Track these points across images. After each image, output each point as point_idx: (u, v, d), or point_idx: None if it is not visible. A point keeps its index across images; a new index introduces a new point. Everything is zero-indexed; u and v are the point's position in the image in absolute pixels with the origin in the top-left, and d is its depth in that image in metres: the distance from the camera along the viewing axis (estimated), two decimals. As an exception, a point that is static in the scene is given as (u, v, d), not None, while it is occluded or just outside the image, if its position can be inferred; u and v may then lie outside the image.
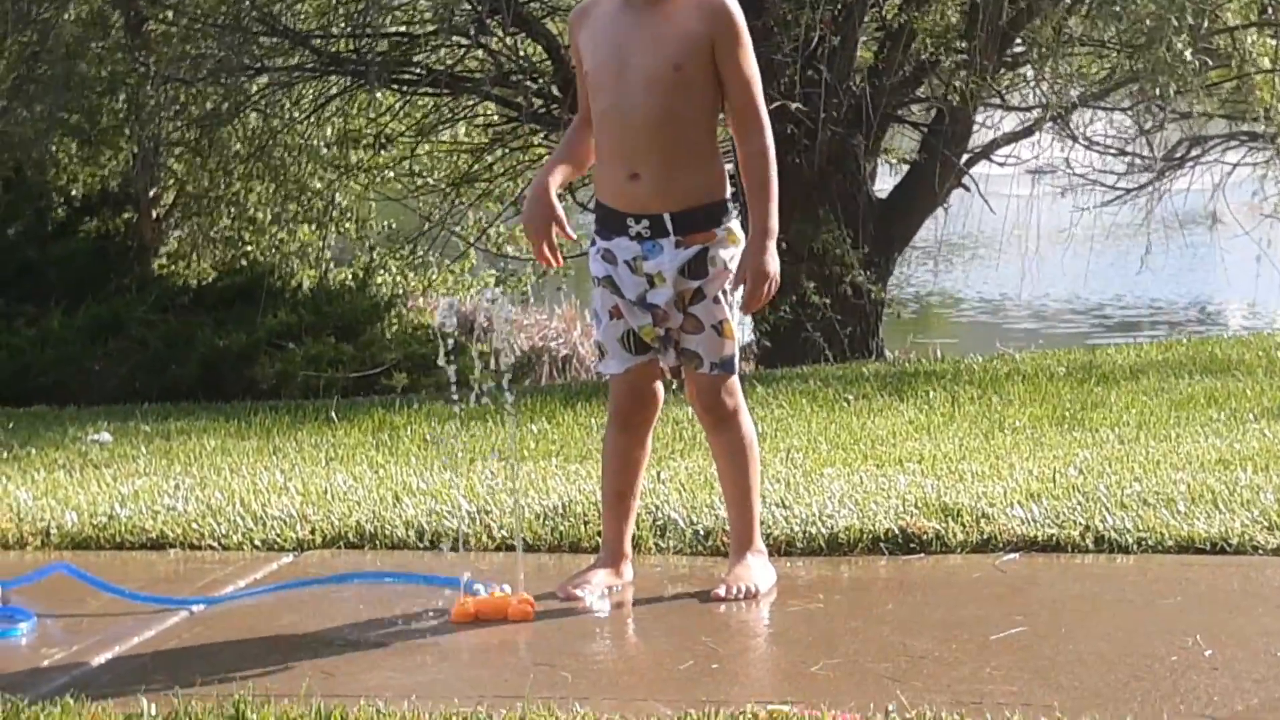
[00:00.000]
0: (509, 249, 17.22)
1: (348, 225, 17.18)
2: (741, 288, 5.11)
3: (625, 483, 5.34)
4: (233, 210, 16.77)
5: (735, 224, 5.15)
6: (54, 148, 15.55)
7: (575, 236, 5.40)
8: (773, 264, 5.03)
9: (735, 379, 5.24)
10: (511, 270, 17.12)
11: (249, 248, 16.76)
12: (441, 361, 5.15)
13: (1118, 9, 13.93)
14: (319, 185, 16.85)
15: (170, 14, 15.97)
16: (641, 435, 5.31)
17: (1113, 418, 9.09)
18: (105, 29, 16.01)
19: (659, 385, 5.29)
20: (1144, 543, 5.64)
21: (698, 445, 8.31)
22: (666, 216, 5.08)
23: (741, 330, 5.21)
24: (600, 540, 5.53)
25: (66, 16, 14.87)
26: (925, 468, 7.22)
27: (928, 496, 6.19)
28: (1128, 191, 17.29)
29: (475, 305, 16.79)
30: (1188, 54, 13.14)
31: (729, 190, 5.15)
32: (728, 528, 5.48)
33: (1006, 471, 6.89)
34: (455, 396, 5.31)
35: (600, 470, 5.49)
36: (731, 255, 5.11)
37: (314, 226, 16.95)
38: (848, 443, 8.44)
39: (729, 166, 5.21)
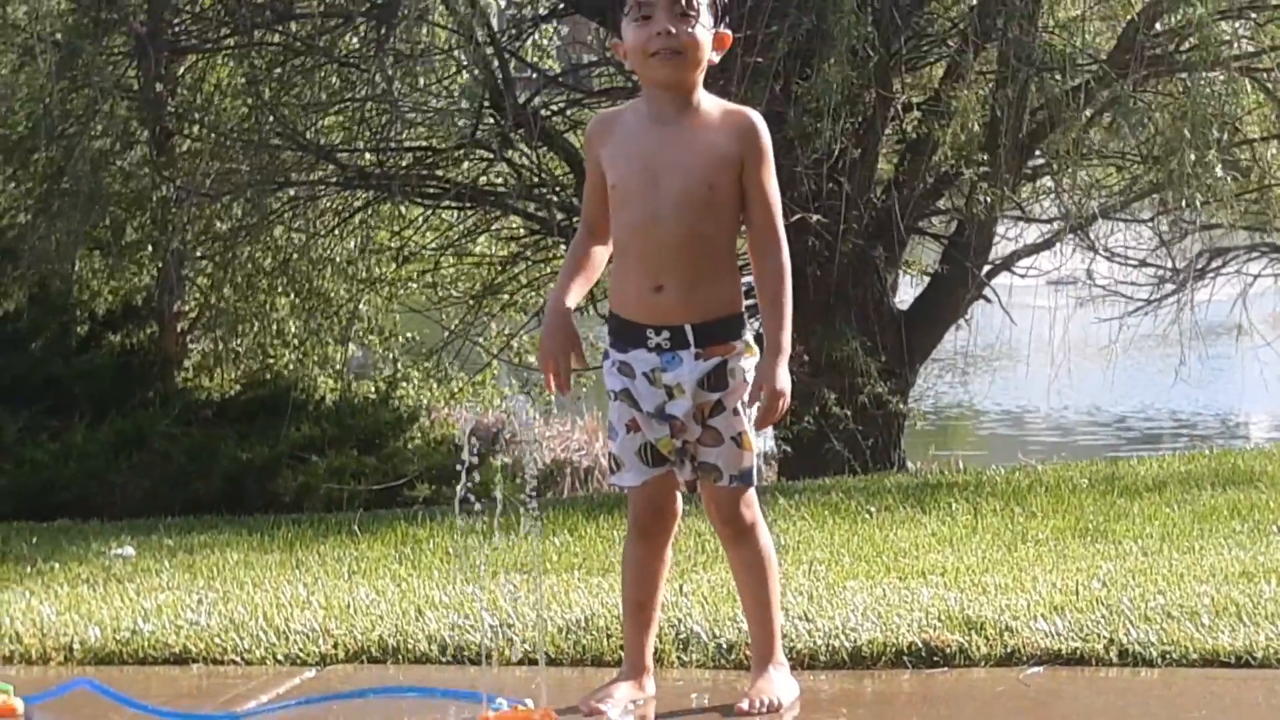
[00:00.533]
0: (531, 359, 17.26)
1: (371, 338, 17.25)
2: (757, 403, 5.12)
3: (645, 593, 5.33)
4: (257, 324, 16.84)
5: (751, 337, 5.17)
6: (78, 263, 15.65)
7: (588, 364, 5.40)
8: (785, 381, 5.04)
9: (753, 491, 5.23)
10: (535, 382, 17.15)
11: (272, 361, 16.83)
12: (460, 493, 5.15)
13: (1138, 121, 14.03)
14: (343, 298, 16.94)
15: (196, 129, 16.12)
16: (660, 547, 5.30)
17: (1136, 530, 9.08)
18: (131, 144, 16.15)
19: (678, 497, 5.28)
20: (1168, 656, 5.61)
21: (719, 557, 8.29)
22: (688, 328, 5.09)
23: (760, 441, 5.22)
24: (623, 654, 5.52)
25: (93, 132, 15.00)
26: (948, 580, 7.20)
27: (951, 609, 6.17)
28: (1149, 302, 17.31)
29: (498, 418, 16.84)
30: (1218, 168, 13.22)
31: (745, 303, 5.17)
32: (749, 641, 5.47)
33: (1030, 584, 6.87)
34: (478, 508, 5.31)
35: (620, 582, 5.49)
36: (749, 367, 5.12)
37: (337, 339, 17.02)
38: (870, 555, 8.43)
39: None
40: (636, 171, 5.12)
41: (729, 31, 5.10)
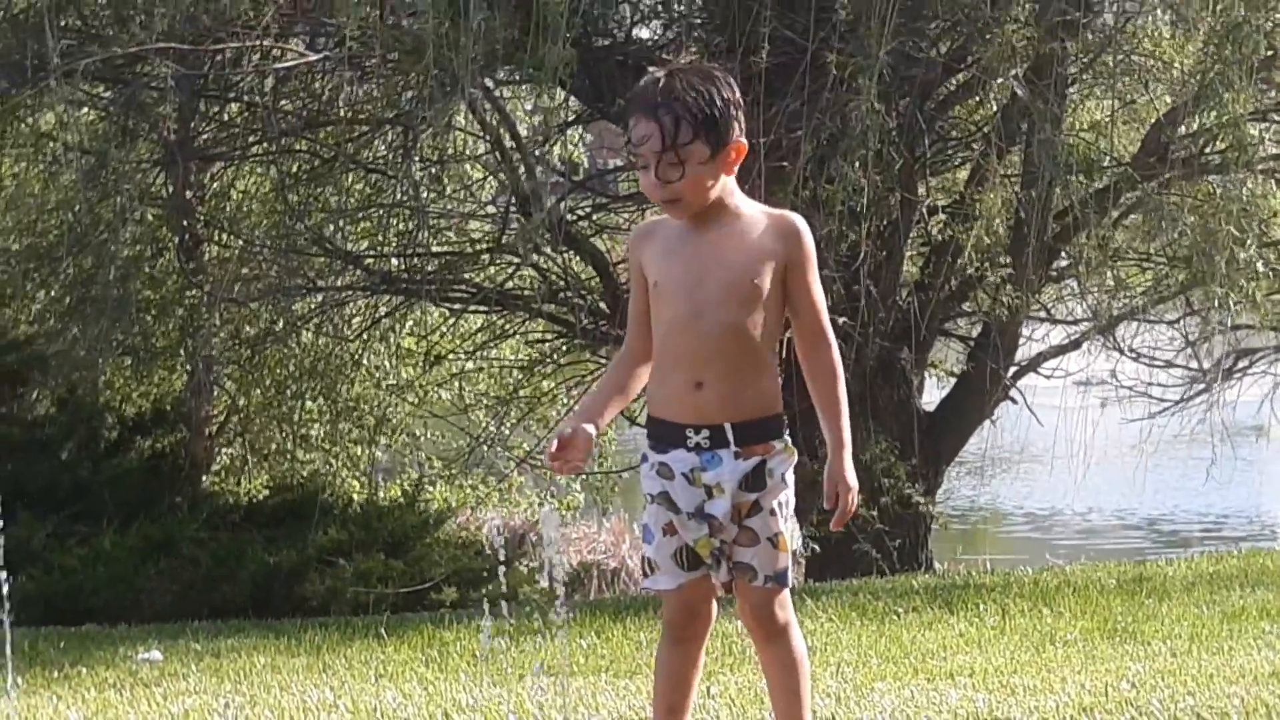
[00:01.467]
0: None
1: (396, 440, 17.29)
2: (791, 493, 5.11)
3: (678, 698, 5.27)
4: (284, 428, 16.90)
5: (788, 439, 5.15)
6: (107, 369, 15.73)
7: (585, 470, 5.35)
8: (853, 476, 5.06)
9: (787, 593, 5.17)
10: (561, 488, 17.20)
11: (300, 464, 16.87)
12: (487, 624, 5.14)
13: (1167, 222, 14.09)
14: (371, 402, 17.01)
15: (224, 236, 16.23)
16: (693, 651, 5.23)
17: (1164, 630, 9.05)
18: (159, 251, 16.27)
19: (713, 601, 5.26)
20: (1198, 757, 5.60)
21: (747, 659, 8.28)
22: (728, 427, 5.08)
23: (795, 540, 5.18)
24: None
25: (122, 239, 15.11)
26: (976, 681, 7.19)
27: (980, 711, 6.16)
28: (1176, 403, 17.30)
29: (524, 521, 16.85)
30: (1259, 264, 13.27)
31: (781, 406, 5.16)
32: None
33: (1059, 685, 6.85)
34: (505, 612, 5.31)
35: (652, 685, 5.46)
36: (787, 468, 5.11)
37: (365, 443, 17.07)
38: (898, 656, 8.41)
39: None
40: (679, 268, 5.12)
41: (743, 140, 5.03)
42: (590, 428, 5.07)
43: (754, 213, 5.10)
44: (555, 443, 5.08)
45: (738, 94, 5.03)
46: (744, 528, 5.08)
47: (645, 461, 5.20)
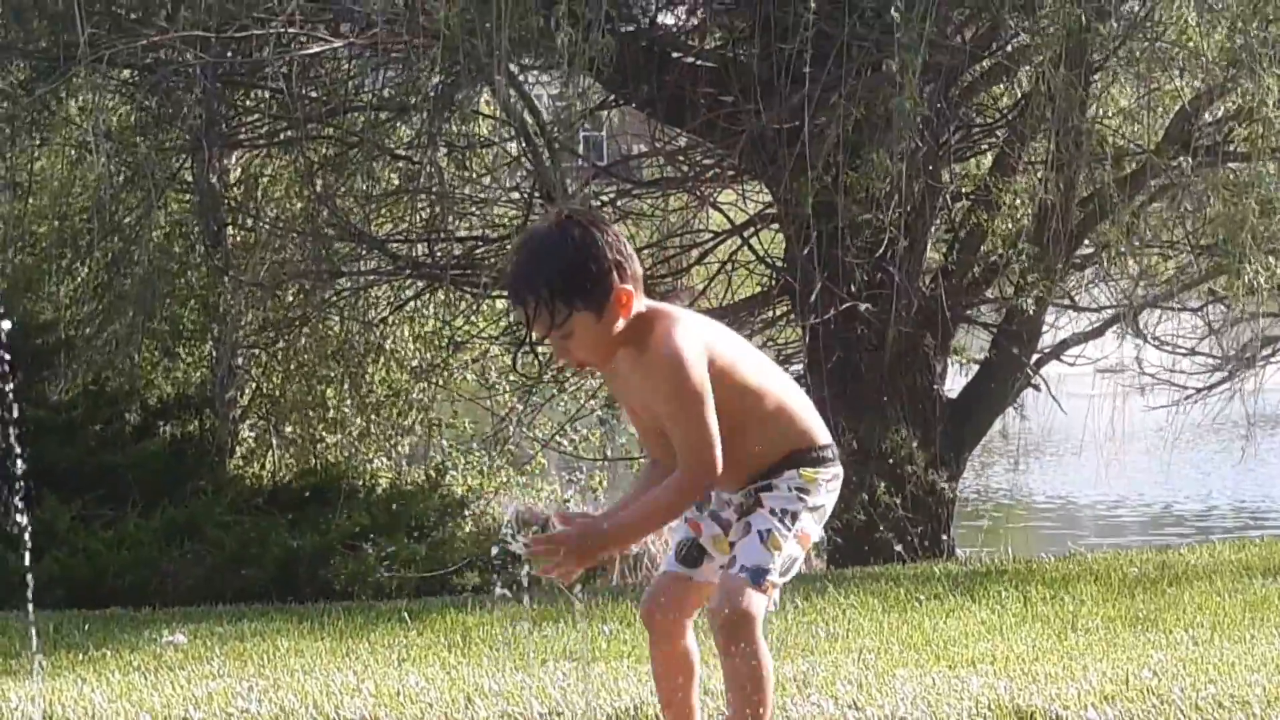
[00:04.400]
0: (581, 450, 17.29)
1: (421, 423, 17.30)
2: (807, 516, 5.06)
3: (669, 695, 5.20)
4: (309, 412, 16.94)
5: (816, 469, 5.07)
6: (135, 354, 15.78)
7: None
8: (586, 547, 4.91)
9: (760, 598, 4.96)
10: (583, 478, 17.23)
11: (324, 448, 16.91)
12: (499, 591, 5.13)
13: (1196, 204, 14.09)
14: (395, 386, 17.04)
15: (250, 222, 16.27)
16: (671, 648, 5.15)
17: (1187, 619, 9.05)
18: (185, 237, 16.32)
19: (692, 607, 5.15)
20: (1219, 746, 5.60)
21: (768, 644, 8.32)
22: (743, 490, 5.10)
23: (787, 546, 5.03)
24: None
25: (150, 226, 15.17)
26: (998, 669, 7.19)
27: (1001, 699, 6.16)
28: (1199, 391, 17.26)
29: (546, 506, 16.86)
30: None
31: (816, 440, 5.09)
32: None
33: (1080, 673, 6.85)
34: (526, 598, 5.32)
35: None
36: (799, 486, 5.04)
37: (389, 427, 17.09)
38: (920, 643, 8.42)
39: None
40: (629, 403, 5.18)
41: (626, 287, 4.87)
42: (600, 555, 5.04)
43: (654, 340, 4.94)
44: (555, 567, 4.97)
45: (608, 235, 4.90)
46: (744, 525, 5.05)
47: None
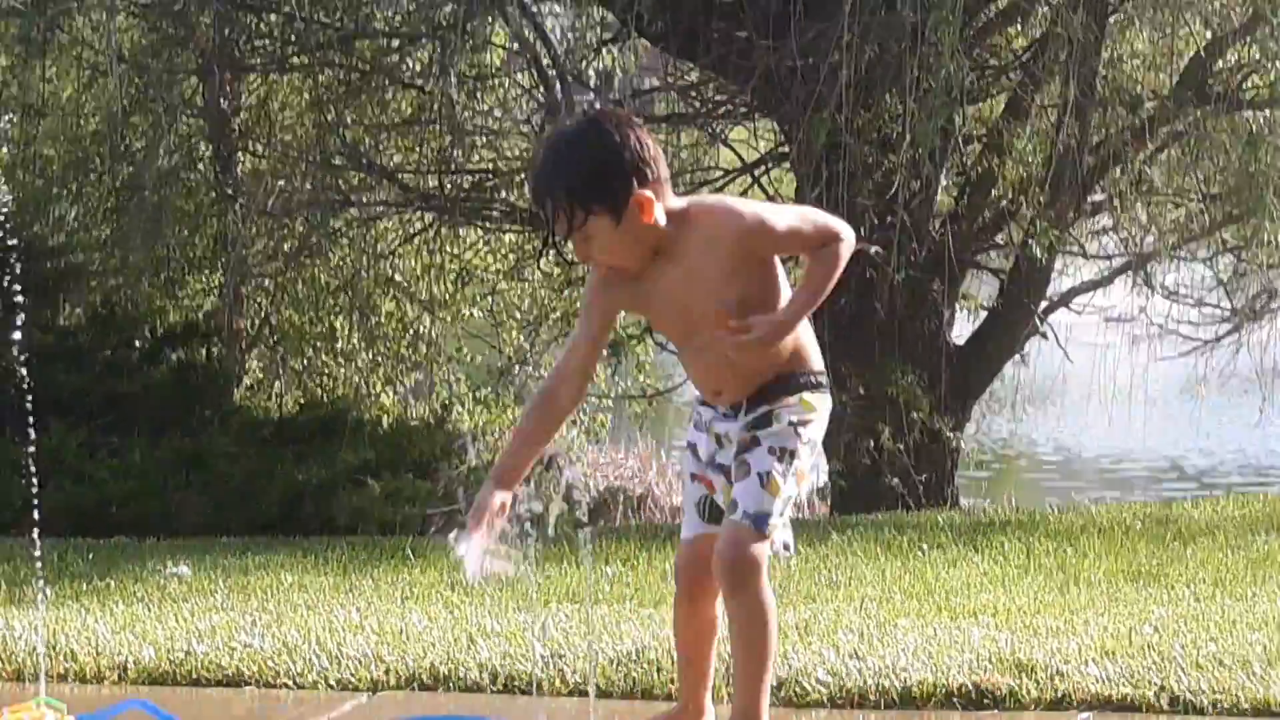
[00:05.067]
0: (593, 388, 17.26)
1: (428, 358, 17.31)
2: (804, 451, 5.03)
3: (693, 652, 5.19)
4: (317, 344, 16.94)
5: (814, 395, 5.06)
6: (144, 281, 15.76)
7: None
8: (774, 329, 4.90)
9: (762, 544, 4.96)
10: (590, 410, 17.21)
11: (330, 381, 16.93)
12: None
13: (1211, 152, 14.06)
14: (403, 320, 17.04)
15: (260, 148, 16.23)
16: (702, 609, 5.13)
17: (1189, 574, 9.05)
18: (195, 162, 16.28)
19: None
20: (1219, 705, 5.60)
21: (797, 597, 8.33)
22: (744, 400, 5.08)
23: (787, 488, 5.01)
24: (670, 688, 5.51)
25: (160, 150, 15.13)
26: (999, 621, 7.21)
27: (1002, 651, 6.18)
28: (1206, 342, 17.23)
29: (555, 445, 16.85)
30: None
31: (814, 364, 5.07)
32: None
33: (1081, 627, 6.86)
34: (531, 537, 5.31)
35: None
36: (798, 419, 5.01)
37: (397, 360, 17.10)
38: (922, 593, 8.43)
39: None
40: (655, 309, 5.10)
41: (644, 193, 4.80)
42: (505, 495, 5.02)
43: (692, 231, 4.91)
44: (474, 515, 5.03)
45: (631, 137, 4.84)
46: (740, 462, 5.02)
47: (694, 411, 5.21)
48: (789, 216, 4.97)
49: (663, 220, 4.86)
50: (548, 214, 4.85)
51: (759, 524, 4.94)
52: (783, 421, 5.01)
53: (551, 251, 4.98)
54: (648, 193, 4.82)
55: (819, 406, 5.07)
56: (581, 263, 5.03)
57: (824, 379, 5.12)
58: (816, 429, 5.07)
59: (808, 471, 5.08)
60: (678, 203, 4.91)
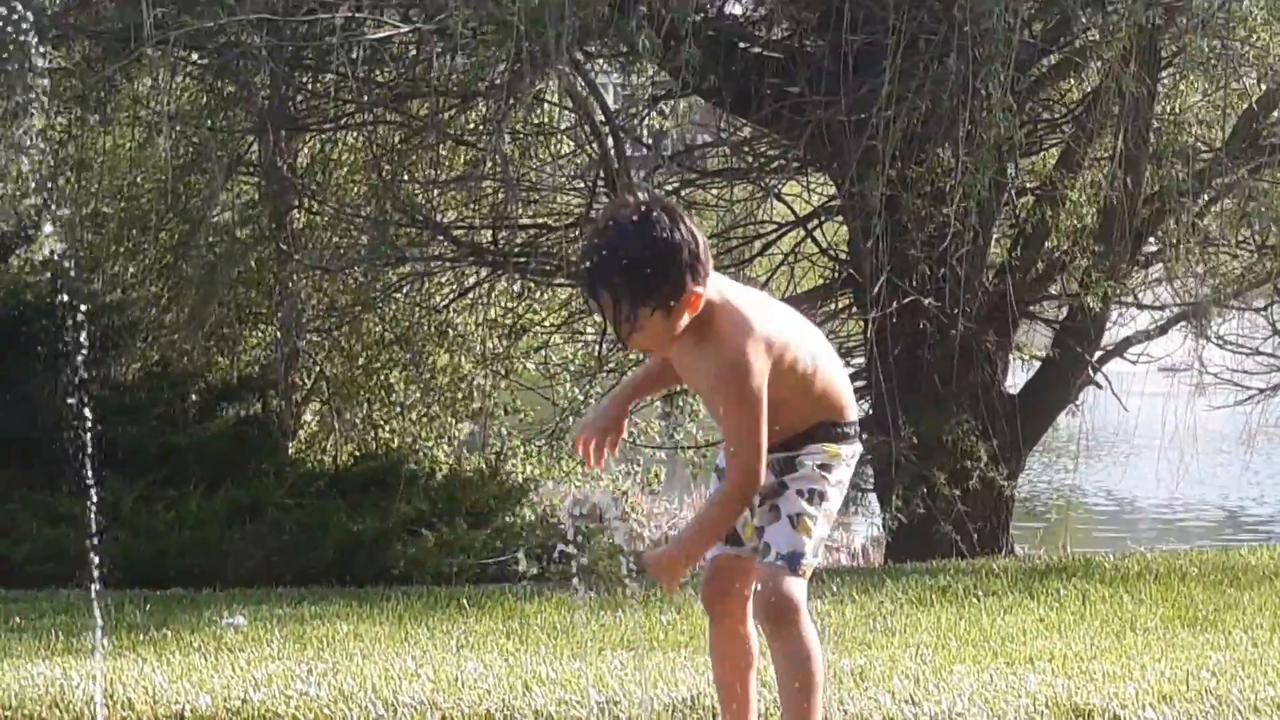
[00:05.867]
0: (641, 440, 17.30)
1: (482, 411, 17.35)
2: (833, 493, 5.12)
3: (727, 676, 5.26)
4: (371, 396, 17.02)
5: (841, 445, 5.13)
6: (200, 336, 15.85)
7: (615, 462, 5.35)
8: (660, 561, 5.03)
9: (799, 583, 5.04)
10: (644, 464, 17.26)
11: (385, 433, 16.99)
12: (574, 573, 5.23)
13: (1265, 206, 14.03)
14: (457, 373, 17.09)
15: (315, 204, 16.33)
16: (729, 631, 5.21)
17: (1246, 620, 9.01)
18: (250, 219, 16.39)
19: (748, 585, 5.17)
20: (1277, 748, 5.58)
21: (826, 638, 8.33)
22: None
23: (817, 528, 5.08)
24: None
25: (215, 207, 15.25)
26: (1055, 667, 7.19)
27: (1059, 696, 6.16)
28: (1261, 391, 17.18)
29: (604, 495, 16.89)
30: None
31: (846, 416, 5.15)
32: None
33: (1138, 673, 6.84)
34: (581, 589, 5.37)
35: None
36: (822, 463, 5.10)
37: (450, 413, 17.15)
38: (977, 639, 8.41)
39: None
40: (684, 377, 5.25)
41: (697, 290, 4.91)
42: (621, 417, 5.25)
43: (710, 326, 4.99)
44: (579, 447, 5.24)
45: (685, 233, 4.92)
46: (770, 508, 5.10)
47: None
48: (745, 416, 4.96)
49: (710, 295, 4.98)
50: (600, 304, 4.94)
51: (793, 564, 5.03)
52: (808, 466, 5.10)
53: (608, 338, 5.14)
54: (700, 290, 4.93)
55: (845, 454, 5.15)
56: (624, 345, 5.14)
57: (853, 429, 5.20)
58: (843, 472, 5.16)
59: (835, 511, 5.16)
60: (711, 291, 4.99)
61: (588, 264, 4.96)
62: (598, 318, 5.10)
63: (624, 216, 4.96)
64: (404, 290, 16.47)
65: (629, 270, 4.87)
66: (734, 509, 5.04)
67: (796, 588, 5.02)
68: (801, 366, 5.06)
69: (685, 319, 4.94)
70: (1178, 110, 15.20)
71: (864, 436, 5.26)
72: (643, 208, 4.96)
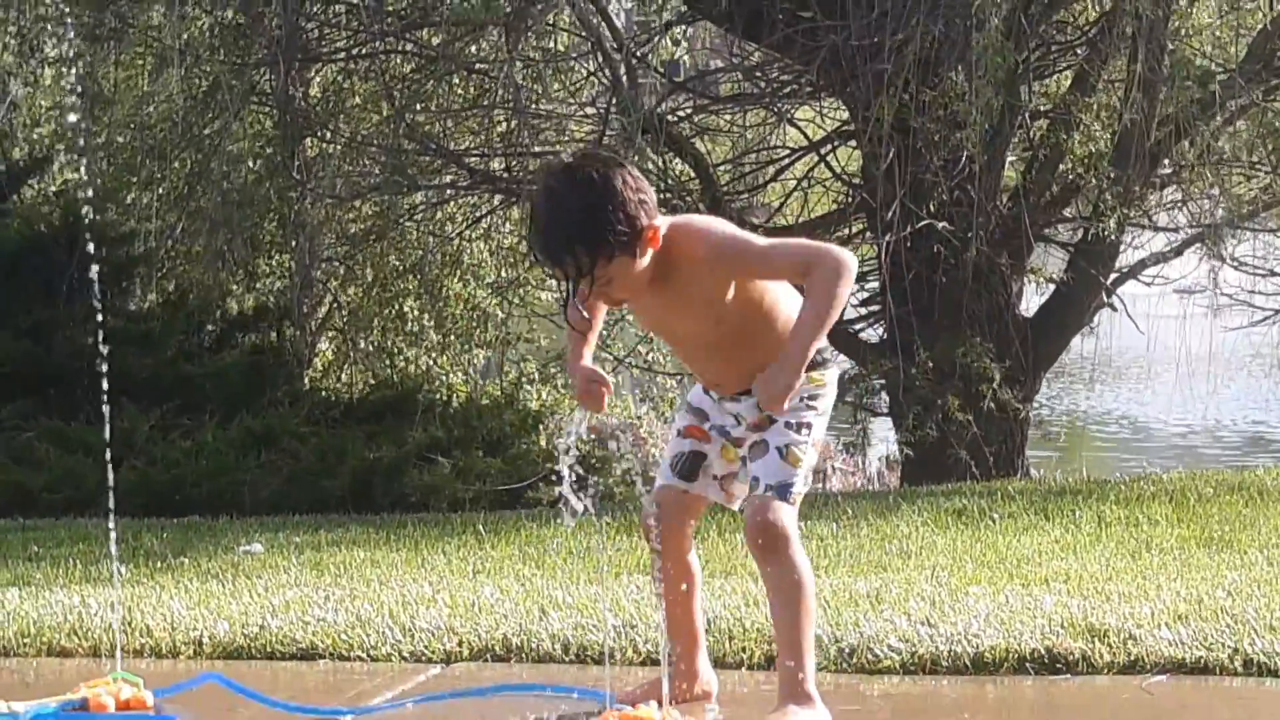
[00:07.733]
0: (656, 365, 17.31)
1: (496, 340, 17.35)
2: (819, 421, 5.17)
3: (675, 611, 5.38)
4: (385, 325, 17.02)
5: (819, 371, 5.18)
6: (217, 265, 15.84)
7: (612, 385, 5.35)
8: (775, 385, 4.96)
9: (790, 511, 5.10)
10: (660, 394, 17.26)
11: (401, 361, 16.99)
12: (567, 491, 5.26)
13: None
14: (472, 301, 17.08)
15: (328, 134, 16.30)
16: (672, 564, 5.31)
17: (1261, 539, 9.00)
18: (264, 148, 16.35)
19: (687, 521, 5.32)
20: (1293, 666, 5.59)
21: (841, 561, 8.36)
22: (748, 389, 5.15)
23: (807, 458, 5.12)
24: (742, 656, 5.59)
25: (229, 136, 15.22)
26: (1071, 587, 7.20)
27: (1074, 617, 6.18)
28: (1276, 312, 17.13)
29: (620, 421, 16.89)
30: None
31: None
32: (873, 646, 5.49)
33: (1154, 592, 6.85)
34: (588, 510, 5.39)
35: None
36: (807, 394, 5.14)
37: (466, 341, 17.14)
38: (993, 561, 8.42)
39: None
40: (648, 319, 5.34)
41: (654, 224, 4.95)
42: (592, 371, 5.25)
43: (673, 249, 5.01)
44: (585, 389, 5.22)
45: (617, 173, 4.93)
46: (757, 442, 5.15)
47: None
48: (760, 243, 5.07)
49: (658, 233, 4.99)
50: (568, 272, 4.94)
51: (782, 493, 5.09)
52: (794, 400, 5.09)
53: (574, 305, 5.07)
54: (656, 222, 4.96)
55: (827, 379, 5.22)
56: (608, 306, 5.20)
57: (830, 352, 5.24)
58: (827, 399, 5.22)
59: (822, 439, 5.22)
60: (660, 222, 5.01)
61: (540, 238, 4.99)
62: (576, 291, 5.05)
63: (553, 179, 4.99)
64: (417, 219, 16.45)
65: (577, 225, 4.88)
66: (845, 287, 4.93)
67: (787, 516, 5.09)
68: (762, 289, 5.13)
69: (649, 255, 4.96)
70: (1192, 31, 15.10)
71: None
72: (572, 166, 4.98)
